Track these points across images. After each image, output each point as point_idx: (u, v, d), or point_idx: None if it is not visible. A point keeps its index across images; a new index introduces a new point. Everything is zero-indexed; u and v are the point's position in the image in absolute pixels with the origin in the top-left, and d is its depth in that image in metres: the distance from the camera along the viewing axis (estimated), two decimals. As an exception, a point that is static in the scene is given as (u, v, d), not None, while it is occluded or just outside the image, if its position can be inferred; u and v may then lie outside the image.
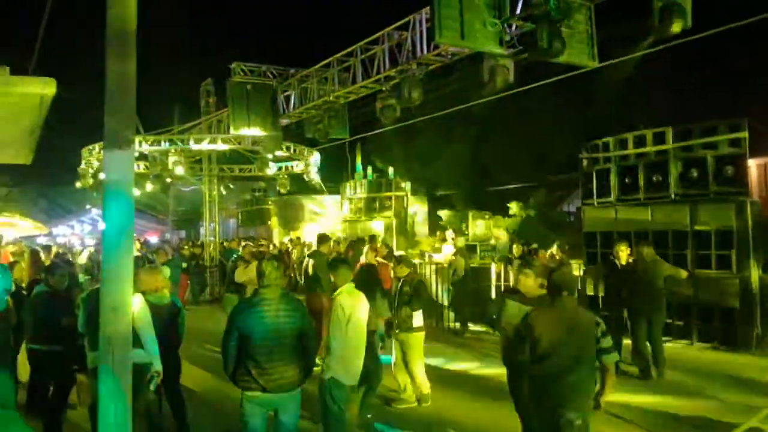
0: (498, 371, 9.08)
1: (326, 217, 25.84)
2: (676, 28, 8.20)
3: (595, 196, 12.74)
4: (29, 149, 6.99)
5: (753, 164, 12.00)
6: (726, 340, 10.51)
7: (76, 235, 44.23)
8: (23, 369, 7.27)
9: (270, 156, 18.03)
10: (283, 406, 4.73)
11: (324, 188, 22.33)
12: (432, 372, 9.14)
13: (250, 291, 8.90)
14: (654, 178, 11.65)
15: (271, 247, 19.13)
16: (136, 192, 19.19)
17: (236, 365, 4.67)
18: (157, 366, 5.44)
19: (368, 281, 7.29)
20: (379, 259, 10.73)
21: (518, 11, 8.97)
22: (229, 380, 4.82)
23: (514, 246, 13.94)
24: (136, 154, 16.73)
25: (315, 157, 20.45)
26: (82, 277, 8.46)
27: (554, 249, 13.03)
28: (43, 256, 12.08)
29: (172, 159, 17.64)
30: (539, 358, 4.49)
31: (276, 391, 4.64)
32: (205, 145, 17.84)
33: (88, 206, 43.23)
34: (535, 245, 12.53)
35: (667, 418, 7.17)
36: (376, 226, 20.35)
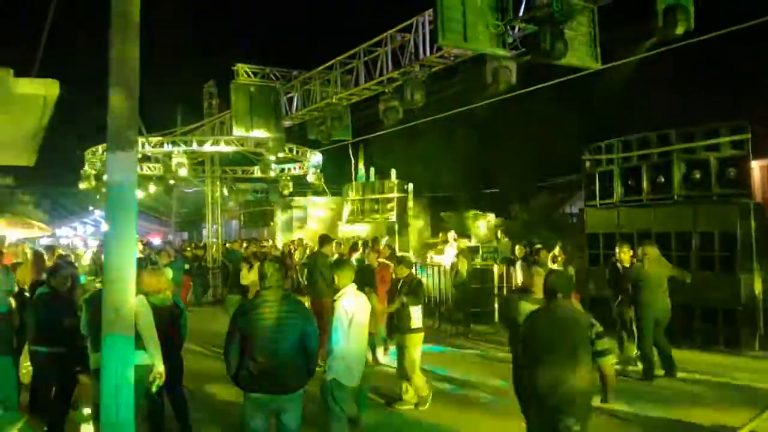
0: (500, 373, 9.11)
1: (328, 218, 25.83)
2: (680, 29, 8.21)
3: (597, 198, 12.73)
4: (32, 151, 7.02)
5: (756, 166, 12.00)
6: (729, 342, 10.48)
7: (79, 237, 44.31)
8: (26, 370, 7.29)
9: (272, 157, 18.04)
10: (285, 407, 4.73)
11: (326, 190, 22.32)
12: (433, 374, 9.14)
13: (253, 293, 8.92)
14: (657, 180, 11.64)
15: (273, 249, 19.11)
16: (139, 194, 19.24)
17: (238, 366, 4.67)
18: (159, 367, 5.44)
19: (362, 283, 7.29)
20: (381, 260, 10.74)
21: (521, 13, 8.98)
22: (231, 381, 4.82)
23: (517, 247, 13.92)
24: (139, 156, 16.76)
25: (317, 159, 20.46)
26: (84, 279, 8.47)
27: (557, 250, 13.00)
28: (46, 257, 12.09)
29: (175, 160, 17.66)
30: (536, 360, 4.48)
31: (278, 392, 4.64)
32: (207, 147, 17.85)
33: (91, 207, 43.27)
34: (538, 245, 12.52)
35: (669, 419, 7.15)
36: (378, 227, 20.35)
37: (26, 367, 7.26)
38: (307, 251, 16.20)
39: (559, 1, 8.35)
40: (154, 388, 5.49)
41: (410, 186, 21.47)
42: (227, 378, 4.86)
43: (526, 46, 8.99)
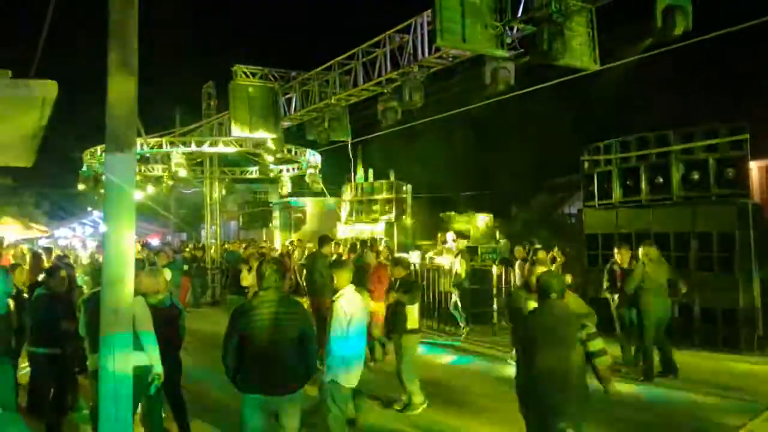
0: (498, 374, 9.11)
1: (327, 219, 25.84)
2: (679, 30, 8.20)
3: (596, 199, 12.74)
4: (31, 151, 7.01)
5: (754, 167, 12.03)
6: (727, 342, 10.49)
7: (78, 238, 44.31)
8: (24, 371, 7.28)
9: (271, 158, 18.04)
10: (284, 408, 4.72)
11: (325, 190, 22.32)
12: (431, 375, 9.14)
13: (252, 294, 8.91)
14: (655, 181, 11.66)
15: (272, 250, 19.12)
16: (138, 194, 19.21)
17: (237, 367, 4.66)
18: (158, 368, 5.43)
19: (355, 283, 7.28)
20: (380, 260, 10.74)
21: (519, 14, 8.99)
22: (230, 382, 4.82)
23: (516, 248, 13.92)
24: (138, 157, 16.75)
25: (316, 160, 20.45)
26: (81, 280, 8.46)
27: (555, 251, 13.01)
28: (44, 258, 12.09)
29: (174, 161, 17.65)
30: (530, 362, 4.47)
31: (276, 393, 4.64)
32: (206, 148, 17.85)
33: (89, 208, 43.26)
34: (538, 246, 12.51)
35: (668, 420, 7.16)
36: (377, 228, 20.34)
37: (24, 368, 7.25)
38: (305, 252, 16.20)
39: (558, 2, 8.35)
40: (152, 389, 5.48)
41: (409, 187, 21.48)
42: (226, 379, 4.85)
43: (525, 46, 8.99)
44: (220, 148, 18.00)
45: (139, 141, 15.82)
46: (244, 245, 16.92)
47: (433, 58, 10.32)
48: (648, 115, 17.86)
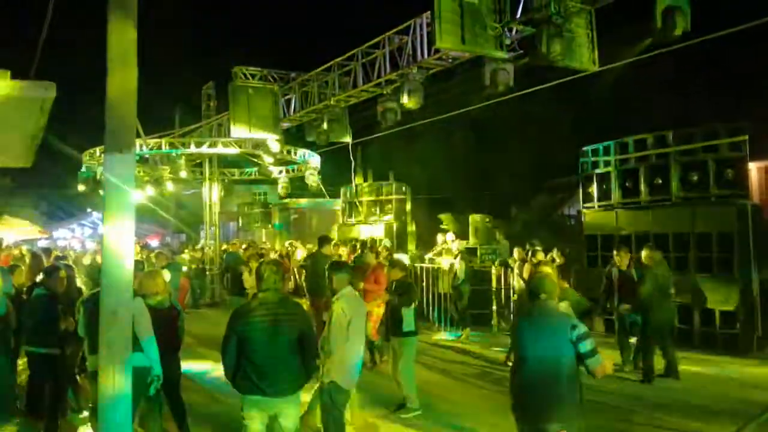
0: (498, 376, 9.11)
1: (326, 220, 25.85)
2: (678, 31, 8.21)
3: (596, 200, 12.75)
4: (30, 152, 7.01)
5: (754, 167, 12.04)
6: (727, 344, 10.49)
7: (77, 239, 44.28)
8: (23, 371, 7.27)
9: (270, 159, 18.05)
10: (283, 410, 4.71)
11: (324, 191, 22.32)
12: (430, 376, 9.14)
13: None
14: (655, 182, 11.66)
15: (272, 251, 19.08)
16: (137, 195, 19.20)
17: (236, 369, 4.66)
18: (157, 369, 5.43)
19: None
20: (380, 260, 10.73)
21: (519, 15, 9.00)
22: (229, 384, 4.81)
23: (515, 249, 13.92)
24: (137, 158, 16.74)
25: (315, 161, 20.46)
26: (80, 281, 8.46)
27: (554, 252, 13.00)
28: (44, 259, 12.07)
29: (173, 162, 17.66)
30: (521, 363, 4.46)
31: (276, 395, 4.63)
32: (206, 149, 17.85)
33: (89, 209, 43.27)
34: (538, 247, 12.49)
35: (667, 421, 7.15)
36: (377, 229, 20.33)
37: (23, 364, 7.24)
38: (304, 253, 16.17)
39: (557, 3, 8.36)
40: (152, 390, 5.48)
41: (408, 188, 21.47)
42: (225, 380, 4.85)
43: (524, 48, 9.01)
44: (220, 149, 18.01)
45: (138, 142, 15.82)
46: (243, 246, 16.88)
47: (433, 59, 10.33)
48: (647, 116, 17.87)
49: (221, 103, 18.60)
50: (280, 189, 21.54)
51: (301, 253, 15.23)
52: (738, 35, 9.11)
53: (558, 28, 8.46)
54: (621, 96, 19.46)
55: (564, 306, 5.48)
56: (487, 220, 17.60)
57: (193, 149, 17.76)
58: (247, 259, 12.63)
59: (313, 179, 20.24)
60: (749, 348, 10.37)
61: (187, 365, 7.02)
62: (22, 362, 7.26)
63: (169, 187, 19.61)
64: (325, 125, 13.68)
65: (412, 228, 20.07)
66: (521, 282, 11.35)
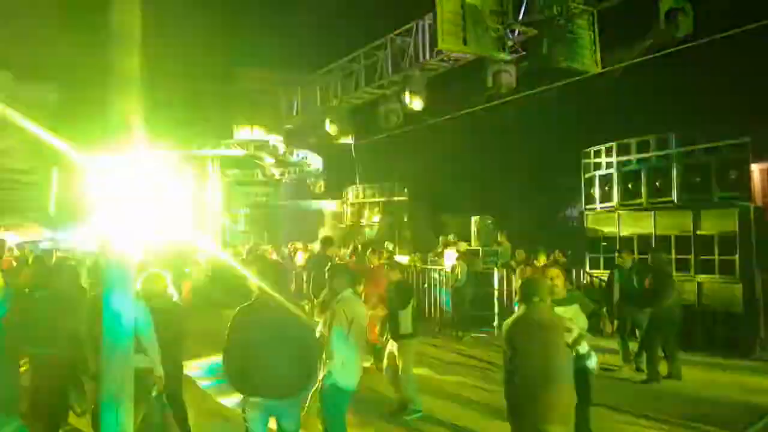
0: (498, 378, 9.07)
1: (329, 221, 25.85)
2: (682, 32, 8.20)
3: (597, 202, 12.74)
4: (32, 154, 7.02)
5: (756, 169, 12.00)
6: (729, 345, 10.47)
7: (80, 240, 44.22)
8: (24, 371, 7.28)
9: (272, 161, 18.08)
10: (284, 411, 4.71)
11: (327, 193, 22.36)
12: (431, 378, 9.13)
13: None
14: (656, 184, 11.65)
15: (275, 254, 19.08)
16: (139, 197, 19.18)
17: (237, 370, 4.66)
18: (159, 371, 5.43)
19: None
20: (381, 262, 10.71)
21: (521, 17, 9.00)
22: (231, 385, 4.81)
23: (517, 251, 13.92)
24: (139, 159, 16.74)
25: (318, 162, 20.49)
26: (85, 282, 8.47)
27: (556, 254, 12.98)
28: (47, 260, 12.09)
29: (177, 163, 17.71)
30: (515, 368, 4.44)
31: (277, 397, 4.63)
32: (208, 151, 17.89)
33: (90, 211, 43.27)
34: (542, 252, 12.46)
35: (669, 424, 7.13)
36: (379, 230, 20.35)
37: (25, 365, 7.24)
38: (306, 254, 16.16)
39: (559, 5, 8.37)
40: (153, 392, 5.47)
41: (410, 189, 21.50)
42: (226, 382, 4.85)
43: (526, 49, 9.01)
44: (223, 151, 18.04)
45: (140, 143, 15.84)
46: (246, 248, 16.90)
47: (435, 60, 10.35)
48: (649, 118, 17.82)
49: (224, 104, 18.63)
50: (284, 190, 21.58)
51: (302, 255, 15.24)
52: (740, 36, 9.10)
53: (560, 29, 8.47)
54: (623, 97, 19.41)
55: (574, 310, 5.45)
56: (489, 221, 17.59)
57: (195, 151, 17.80)
58: (250, 261, 12.63)
59: (315, 181, 20.27)
60: (752, 350, 10.34)
61: (189, 366, 7.02)
62: (24, 363, 7.26)
63: (172, 188, 19.61)
64: (327, 127, 13.69)
65: (410, 229, 20.07)
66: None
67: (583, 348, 4.40)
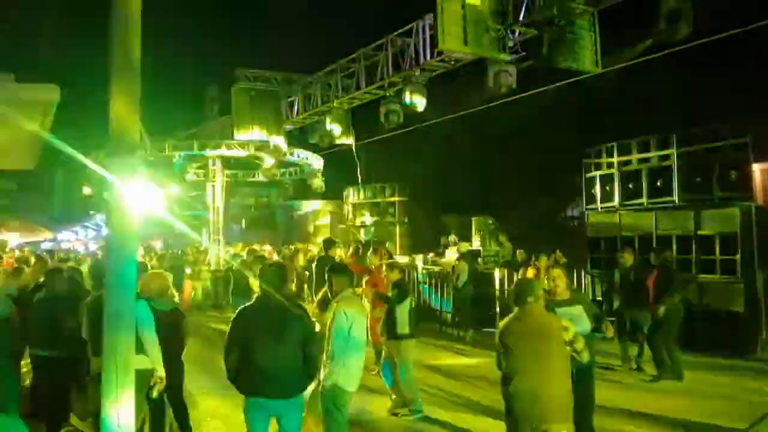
0: (498, 379, 9.07)
1: (329, 221, 25.87)
2: (682, 32, 8.20)
3: (598, 202, 12.75)
4: (34, 155, 7.03)
5: (757, 169, 11.99)
6: (731, 345, 10.45)
7: (81, 241, 44.36)
8: (26, 371, 7.29)
9: (272, 161, 18.08)
10: (285, 412, 4.72)
11: (327, 193, 22.38)
12: (432, 378, 9.13)
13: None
14: (658, 184, 11.65)
15: (275, 254, 19.11)
16: (141, 197, 19.23)
17: (238, 371, 4.66)
18: (160, 371, 5.43)
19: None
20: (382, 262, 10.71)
21: (521, 17, 9.00)
22: (232, 385, 4.82)
23: (518, 251, 13.93)
24: (140, 160, 16.78)
25: (318, 163, 20.49)
26: (88, 283, 8.48)
27: (557, 254, 12.99)
28: (49, 262, 12.11)
29: (177, 164, 17.73)
30: (514, 370, 4.44)
31: (277, 397, 4.63)
32: (209, 151, 17.89)
33: (92, 212, 43.30)
34: (544, 255, 12.46)
35: (671, 423, 7.13)
36: (379, 231, 20.36)
37: (26, 365, 7.25)
38: (308, 255, 16.18)
39: (559, 5, 8.36)
40: (155, 393, 5.48)
41: (411, 189, 21.50)
42: (228, 382, 4.85)
43: (527, 50, 9.02)
44: (223, 151, 18.04)
45: (141, 144, 15.86)
46: (246, 249, 16.90)
47: (435, 61, 10.35)
48: (650, 118, 17.82)
49: (224, 105, 18.66)
50: (284, 191, 21.58)
51: (302, 256, 15.25)
52: (741, 36, 9.09)
53: (560, 30, 8.47)
54: (624, 97, 19.41)
55: (577, 311, 5.44)
56: (490, 221, 17.61)
57: (196, 152, 17.81)
58: (251, 262, 12.63)
59: (316, 181, 20.28)
60: (754, 350, 10.34)
61: (190, 367, 7.01)
62: (25, 365, 7.27)
63: (173, 189, 19.66)
64: (327, 127, 13.70)
65: (410, 230, 20.08)
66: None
67: (580, 345, 4.42)
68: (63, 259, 13.97)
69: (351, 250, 13.37)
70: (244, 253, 15.89)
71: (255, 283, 10.79)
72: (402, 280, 8.06)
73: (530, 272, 11.12)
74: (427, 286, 14.26)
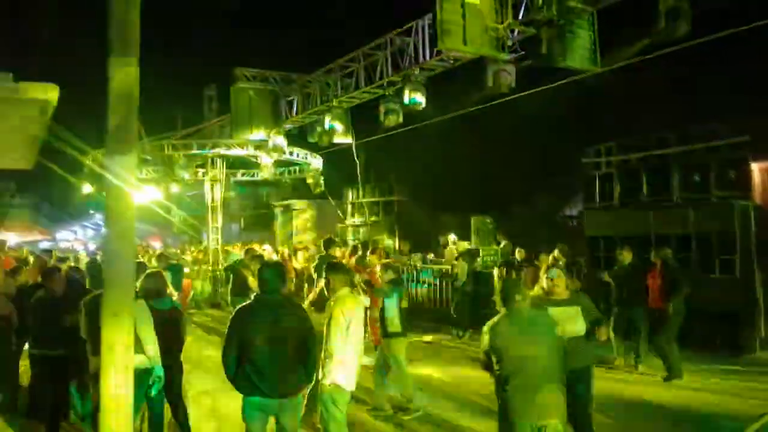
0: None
1: (329, 221, 25.86)
2: (682, 31, 8.20)
3: (597, 200, 12.76)
4: (32, 154, 7.02)
5: (756, 168, 12.00)
6: (729, 344, 10.46)
7: (80, 240, 44.35)
8: (24, 373, 7.29)
9: (269, 161, 18.06)
10: (284, 411, 4.72)
11: (327, 193, 22.38)
12: (429, 378, 9.13)
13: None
14: (656, 182, 11.67)
15: (275, 254, 19.10)
16: (139, 196, 19.23)
17: (237, 370, 4.66)
18: (159, 371, 5.44)
19: None
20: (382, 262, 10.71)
21: (520, 16, 9.00)
22: (230, 385, 4.82)
23: (517, 250, 13.91)
24: (138, 159, 16.77)
25: (317, 162, 20.49)
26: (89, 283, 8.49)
27: (556, 252, 12.97)
28: (48, 261, 12.11)
29: (176, 164, 17.70)
30: (509, 371, 4.44)
31: (276, 396, 4.63)
32: (207, 151, 17.88)
33: (91, 211, 43.29)
34: (543, 254, 12.45)
35: (669, 421, 7.14)
36: (378, 230, 20.36)
37: (24, 365, 7.25)
38: (306, 254, 16.16)
39: (559, 4, 8.36)
40: (153, 392, 5.48)
41: (410, 189, 21.51)
42: (226, 381, 4.85)
43: (526, 49, 9.01)
44: (221, 151, 18.03)
45: (139, 143, 15.86)
46: (245, 249, 16.89)
47: (435, 60, 10.35)
48: (649, 117, 17.83)
49: (223, 104, 18.66)
50: (282, 190, 21.56)
51: (302, 256, 15.24)
52: (741, 35, 9.09)
53: (559, 29, 8.47)
54: (623, 96, 19.42)
55: (572, 311, 5.40)
56: (489, 220, 17.61)
57: (195, 151, 17.79)
58: (249, 261, 12.62)
59: (315, 181, 20.27)
60: (752, 349, 10.35)
61: (189, 366, 7.01)
62: (24, 364, 7.28)
63: (172, 188, 19.64)
64: (327, 126, 13.69)
65: (409, 229, 20.08)
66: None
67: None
68: (62, 259, 13.94)
69: (350, 249, 13.39)
70: (242, 254, 15.90)
71: (253, 282, 10.83)
72: (396, 279, 8.06)
73: (531, 272, 11.09)
74: (426, 285, 14.26)
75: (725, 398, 7.97)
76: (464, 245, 15.56)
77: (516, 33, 9.42)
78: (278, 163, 19.46)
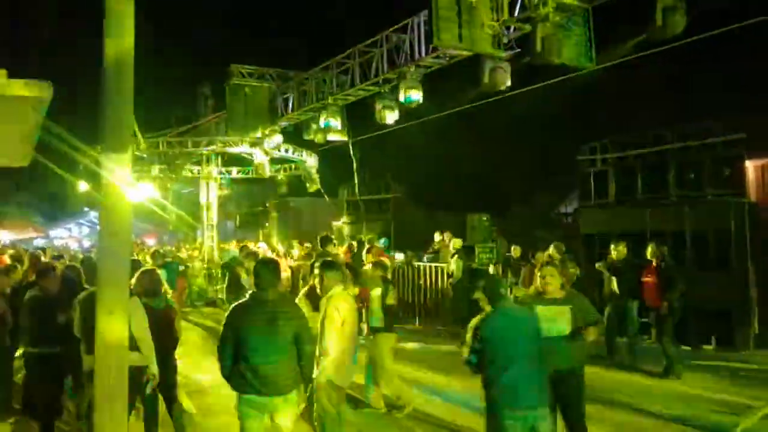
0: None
1: (324, 219, 25.84)
2: (678, 28, 8.20)
3: (593, 198, 12.77)
4: (26, 152, 6.98)
5: (750, 166, 12.03)
6: (723, 340, 10.51)
7: (74, 238, 44.24)
8: (18, 372, 7.27)
9: (265, 158, 18.02)
10: (279, 408, 4.70)
11: (322, 190, 22.35)
12: (424, 375, 9.12)
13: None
14: (652, 180, 11.69)
15: (270, 252, 19.09)
16: (134, 194, 19.18)
17: (232, 367, 4.65)
18: (153, 368, 5.42)
19: None
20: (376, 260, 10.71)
21: (516, 13, 8.99)
22: (225, 382, 4.80)
23: (513, 247, 13.94)
24: (133, 157, 16.72)
25: (313, 160, 20.45)
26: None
27: (551, 250, 12.98)
28: (43, 259, 12.07)
29: (170, 161, 17.66)
30: (493, 366, 4.47)
31: (271, 393, 4.62)
32: (202, 148, 17.83)
33: (86, 209, 43.19)
34: (540, 252, 12.46)
35: (664, 418, 7.15)
36: (374, 228, 20.34)
37: (20, 364, 7.23)
38: (300, 252, 16.15)
39: (554, 1, 8.36)
40: (148, 390, 5.47)
41: (405, 187, 21.49)
42: (221, 379, 4.84)
43: (522, 46, 9.01)
44: (216, 148, 17.98)
45: (134, 141, 15.80)
46: (240, 247, 16.87)
47: (430, 57, 10.33)
48: (645, 115, 17.89)
49: (218, 102, 18.59)
50: (278, 188, 21.52)
51: (297, 253, 15.22)
52: (735, 33, 9.12)
53: (555, 26, 8.47)
54: (619, 94, 19.47)
55: (559, 311, 5.30)
56: (485, 218, 17.60)
57: (190, 148, 17.75)
58: (244, 259, 12.61)
59: (310, 179, 20.24)
60: (746, 345, 10.39)
61: (183, 365, 7.00)
62: (18, 362, 7.25)
63: (168, 185, 19.59)
64: (322, 124, 13.66)
65: (405, 227, 20.06)
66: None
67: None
68: (58, 257, 13.91)
69: (345, 247, 13.38)
70: (237, 251, 15.88)
71: (248, 280, 10.82)
72: (384, 277, 8.04)
73: (528, 269, 11.09)
74: (421, 282, 14.26)
75: (719, 394, 8.00)
76: (458, 243, 15.52)
77: (512, 30, 9.41)
78: (273, 161, 19.40)
